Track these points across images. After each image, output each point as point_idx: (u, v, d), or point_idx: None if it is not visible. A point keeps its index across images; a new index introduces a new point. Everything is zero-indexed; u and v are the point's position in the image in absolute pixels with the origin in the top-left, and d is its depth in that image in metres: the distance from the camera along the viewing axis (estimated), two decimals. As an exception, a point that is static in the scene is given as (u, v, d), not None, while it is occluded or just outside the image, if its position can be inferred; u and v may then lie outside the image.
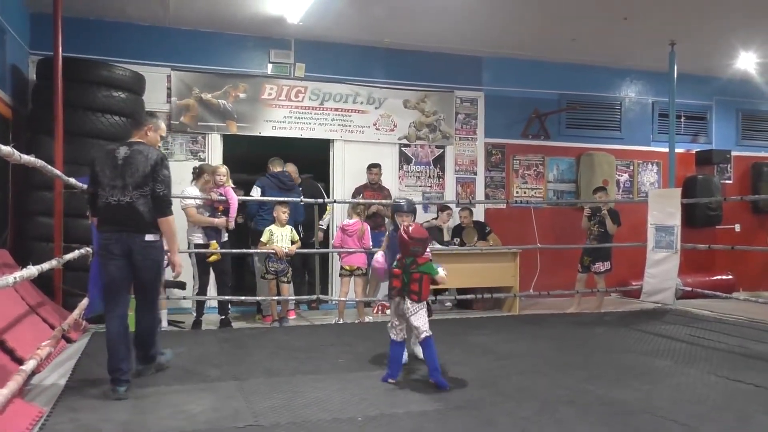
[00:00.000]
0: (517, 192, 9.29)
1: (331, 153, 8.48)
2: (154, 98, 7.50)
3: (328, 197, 8.12)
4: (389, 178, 8.41)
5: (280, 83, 8.17)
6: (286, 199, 6.95)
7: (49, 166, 4.49)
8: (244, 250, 7.16)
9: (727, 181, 10.26)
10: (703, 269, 9.42)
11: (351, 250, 7.03)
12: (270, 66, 8.19)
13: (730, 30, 7.71)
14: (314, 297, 7.20)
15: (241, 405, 3.71)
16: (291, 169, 7.59)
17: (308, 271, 8.01)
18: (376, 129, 8.59)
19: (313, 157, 8.56)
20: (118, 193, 4.04)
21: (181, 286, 6.59)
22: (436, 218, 8.28)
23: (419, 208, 8.29)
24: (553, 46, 8.58)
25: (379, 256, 4.85)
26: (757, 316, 6.91)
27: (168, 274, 4.67)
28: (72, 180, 5.36)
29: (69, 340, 5.26)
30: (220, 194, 6.50)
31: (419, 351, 4.57)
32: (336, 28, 7.81)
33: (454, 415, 3.56)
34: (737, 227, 10.17)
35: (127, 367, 3.97)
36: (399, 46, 8.48)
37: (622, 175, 9.79)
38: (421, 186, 8.82)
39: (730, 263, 9.72)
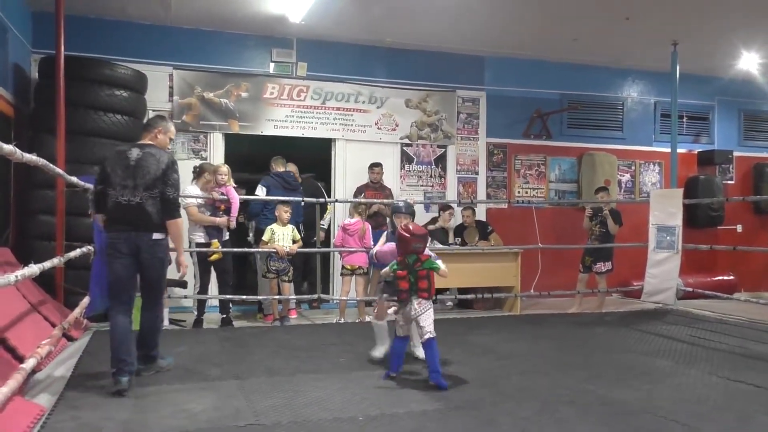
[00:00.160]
0: (519, 192, 9.29)
1: (332, 152, 8.49)
2: (156, 97, 7.51)
3: (329, 197, 8.12)
4: (391, 178, 8.40)
5: (282, 82, 8.17)
6: (287, 198, 6.95)
7: (51, 165, 4.50)
8: (246, 249, 7.17)
9: (729, 182, 10.24)
10: (704, 270, 9.41)
11: (352, 249, 7.03)
12: (272, 65, 8.19)
13: (732, 30, 7.69)
14: (315, 296, 7.21)
15: (242, 404, 3.71)
16: (292, 168, 7.59)
17: (309, 270, 8.01)
18: (378, 128, 8.59)
19: (315, 157, 8.56)
20: (129, 193, 4.14)
21: (183, 285, 6.59)
22: (438, 217, 8.27)
23: (420, 207, 8.33)
24: (555, 45, 8.58)
25: (380, 246, 4.91)
26: (758, 317, 6.91)
27: (171, 274, 4.70)
28: (74, 179, 5.36)
29: (70, 339, 5.27)
30: (222, 193, 6.51)
31: (420, 352, 4.58)
32: (338, 28, 7.81)
33: (455, 414, 3.56)
34: (739, 228, 10.16)
35: (130, 359, 4.02)
36: (401, 45, 8.48)
37: (623, 175, 9.78)
38: (422, 186, 8.82)
39: (732, 264, 9.71)
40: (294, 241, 6.84)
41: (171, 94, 7.74)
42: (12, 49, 6.45)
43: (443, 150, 8.93)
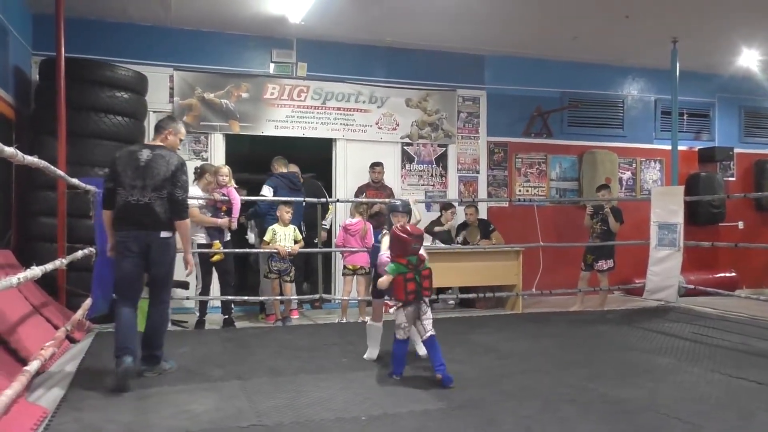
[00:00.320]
0: (520, 190, 9.29)
1: (333, 152, 8.49)
2: (157, 98, 7.51)
3: (330, 197, 8.13)
4: (392, 177, 8.41)
5: (282, 83, 8.18)
6: (289, 198, 6.96)
7: (52, 167, 4.51)
8: (248, 250, 7.18)
9: (730, 179, 10.24)
10: (706, 267, 9.41)
11: (354, 249, 7.03)
12: (272, 65, 8.19)
13: (732, 27, 7.68)
14: (317, 296, 7.21)
15: (245, 405, 3.72)
16: (294, 169, 7.60)
17: (311, 270, 8.02)
18: (379, 128, 8.59)
19: (315, 157, 8.57)
20: (138, 193, 4.25)
21: (185, 286, 6.60)
22: (440, 217, 8.27)
23: (422, 207, 8.33)
24: (555, 44, 8.57)
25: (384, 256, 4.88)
26: (760, 314, 6.91)
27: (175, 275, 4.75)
28: (75, 180, 5.37)
29: (73, 341, 5.28)
30: (223, 194, 6.51)
31: (422, 349, 4.59)
32: (338, 28, 7.81)
33: (457, 414, 3.57)
34: (740, 224, 10.15)
35: (134, 346, 4.14)
36: (401, 45, 8.48)
37: (624, 173, 9.78)
38: (423, 185, 8.82)
39: (733, 261, 9.71)
40: (295, 242, 6.85)
41: (171, 95, 7.75)
42: (12, 52, 6.46)
43: (444, 149, 8.93)
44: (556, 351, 5.34)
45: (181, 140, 4.67)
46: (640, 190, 9.79)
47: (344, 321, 6.91)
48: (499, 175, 9.20)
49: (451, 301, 8.01)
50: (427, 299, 4.31)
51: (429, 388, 4.06)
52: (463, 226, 8.27)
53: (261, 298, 7.08)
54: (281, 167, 7.48)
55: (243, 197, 6.88)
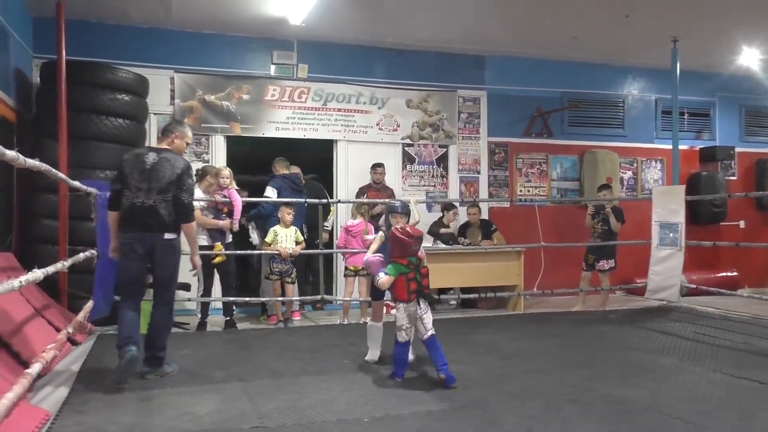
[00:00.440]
0: (521, 190, 9.29)
1: (334, 153, 8.49)
2: (158, 100, 7.52)
3: (331, 198, 8.13)
4: (393, 178, 8.41)
5: (283, 84, 8.19)
6: (290, 200, 6.96)
7: (54, 170, 4.51)
8: (249, 252, 7.18)
9: (732, 178, 10.23)
10: (707, 266, 9.40)
11: (355, 250, 7.03)
12: (273, 67, 8.20)
13: (733, 26, 7.68)
14: (319, 297, 7.21)
15: (247, 406, 3.72)
16: (296, 171, 7.61)
17: (312, 271, 8.02)
18: (379, 129, 8.59)
19: (316, 158, 8.57)
20: (143, 195, 4.32)
21: (186, 287, 6.61)
22: (442, 217, 8.26)
23: (423, 207, 8.34)
24: (555, 44, 8.57)
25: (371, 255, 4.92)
26: (762, 313, 6.90)
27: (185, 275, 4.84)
28: (77, 183, 5.37)
29: (74, 343, 5.28)
30: (224, 196, 6.52)
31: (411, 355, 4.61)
32: (338, 29, 7.82)
33: (460, 414, 3.57)
34: (742, 224, 10.15)
35: (137, 337, 4.23)
36: (401, 46, 8.48)
37: (625, 173, 9.77)
38: (424, 185, 8.83)
39: (735, 260, 9.71)
40: (297, 243, 6.85)
41: (172, 98, 7.76)
42: (13, 55, 6.46)
43: (445, 150, 8.94)
44: (558, 351, 5.33)
45: (188, 144, 4.74)
46: (641, 189, 9.79)
47: (346, 322, 6.91)
48: (500, 176, 9.20)
49: (453, 302, 8.00)
50: (428, 298, 4.34)
51: (431, 389, 4.06)
52: (465, 226, 8.27)
53: (262, 299, 7.09)
54: (283, 169, 7.49)
55: (244, 199, 6.89)
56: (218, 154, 7.94)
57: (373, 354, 4.87)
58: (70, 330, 5.04)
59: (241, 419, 3.48)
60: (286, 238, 6.78)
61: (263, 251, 6.89)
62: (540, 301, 8.34)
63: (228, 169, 6.76)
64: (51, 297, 5.68)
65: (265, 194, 7.19)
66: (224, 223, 6.51)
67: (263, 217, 7.23)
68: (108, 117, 6.51)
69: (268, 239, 6.77)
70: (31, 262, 4.58)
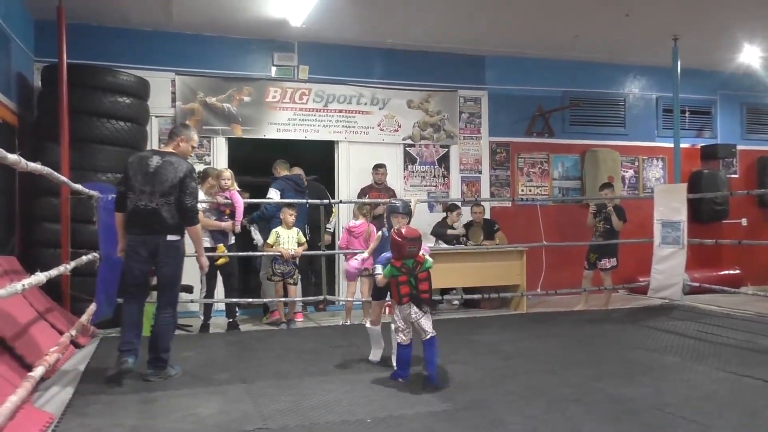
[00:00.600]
0: (523, 190, 9.29)
1: (335, 154, 8.50)
2: (159, 103, 7.53)
3: (333, 199, 8.12)
4: (394, 179, 8.41)
5: (284, 86, 8.19)
6: (292, 201, 6.97)
7: (56, 173, 4.52)
8: (252, 253, 7.18)
9: (733, 176, 10.22)
10: (710, 264, 9.38)
11: (357, 251, 7.02)
12: (274, 69, 8.21)
13: (734, 23, 7.67)
14: (321, 298, 7.22)
15: (250, 408, 3.72)
16: (298, 172, 7.61)
17: (314, 272, 8.02)
18: (381, 130, 8.59)
19: (318, 159, 8.57)
20: (146, 198, 4.37)
21: (189, 289, 6.62)
22: (446, 218, 8.25)
23: (424, 207, 8.34)
24: (556, 43, 8.57)
25: (355, 263, 5.06)
26: (765, 311, 6.88)
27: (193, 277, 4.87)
28: (78, 186, 5.38)
29: (77, 346, 5.29)
30: (226, 198, 6.53)
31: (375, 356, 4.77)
32: (339, 30, 7.82)
33: (463, 415, 3.56)
34: (744, 221, 10.14)
35: (137, 342, 4.34)
36: (401, 46, 8.49)
37: (627, 171, 9.77)
38: (426, 186, 8.83)
39: (737, 258, 9.69)
40: (299, 244, 6.86)
41: (173, 100, 7.77)
42: (15, 58, 6.48)
43: (446, 150, 8.93)
44: (561, 351, 5.33)
45: (193, 147, 4.79)
46: (643, 188, 9.78)
47: (348, 323, 6.91)
48: (501, 175, 9.20)
49: (456, 302, 8.00)
50: (425, 303, 4.22)
51: (434, 389, 4.05)
52: (468, 225, 8.26)
53: (265, 300, 7.09)
54: (284, 170, 7.51)
55: (246, 200, 6.89)
56: (219, 156, 7.94)
57: (375, 354, 4.87)
58: (73, 333, 5.05)
59: (244, 421, 3.48)
60: (288, 240, 6.78)
61: (265, 252, 6.89)
62: (542, 301, 8.34)
63: (229, 170, 6.77)
64: (54, 300, 5.69)
65: (267, 196, 7.19)
66: (226, 224, 6.51)
67: (266, 219, 7.23)
68: (109, 120, 6.53)
69: (270, 240, 6.78)
70: (34, 266, 4.59)
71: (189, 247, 4.67)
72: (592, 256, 7.83)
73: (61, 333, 4.92)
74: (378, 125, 8.58)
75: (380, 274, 4.36)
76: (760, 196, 9.99)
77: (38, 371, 3.76)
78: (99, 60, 7.04)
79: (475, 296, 7.67)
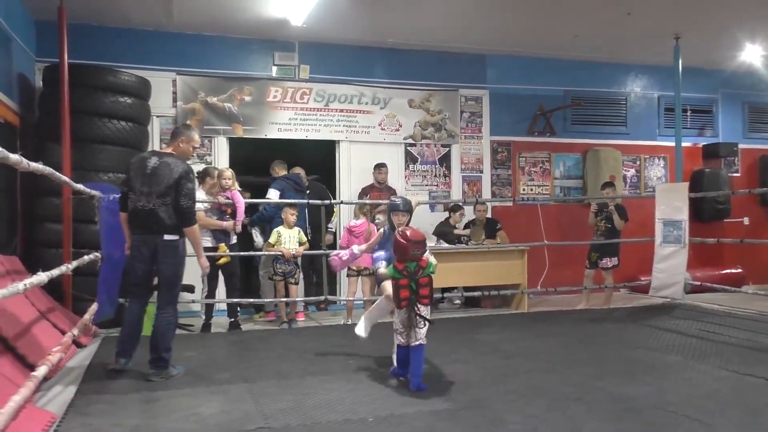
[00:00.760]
0: (524, 189, 9.28)
1: (336, 154, 8.50)
2: (160, 103, 7.54)
3: (335, 199, 8.12)
4: (395, 178, 8.42)
5: (284, 85, 8.19)
6: (293, 201, 6.97)
7: (57, 173, 4.52)
8: (254, 253, 7.19)
9: (735, 174, 10.21)
10: (711, 263, 9.37)
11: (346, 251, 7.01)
12: (274, 68, 8.21)
13: (735, 22, 7.66)
14: (322, 298, 7.22)
15: (252, 407, 3.72)
16: (299, 172, 7.63)
17: (314, 272, 8.03)
18: (382, 129, 8.59)
19: (319, 159, 8.58)
20: (144, 199, 4.43)
21: (190, 289, 6.62)
22: (448, 218, 8.24)
23: (426, 207, 8.33)
24: (557, 42, 8.56)
25: (341, 254, 5.03)
26: (767, 309, 6.87)
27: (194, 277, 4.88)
28: (80, 186, 5.38)
29: (79, 345, 5.29)
30: (227, 198, 6.53)
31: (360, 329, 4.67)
32: (339, 30, 7.82)
33: (464, 414, 3.57)
34: (746, 220, 10.13)
35: (134, 344, 4.55)
36: (402, 45, 8.49)
37: (628, 171, 9.76)
38: (427, 185, 8.83)
39: (739, 257, 9.67)
40: (300, 244, 6.86)
41: (175, 100, 7.77)
42: (16, 59, 6.48)
43: (447, 149, 8.93)
44: (562, 349, 5.33)
45: (194, 148, 4.80)
46: (645, 187, 9.77)
47: (350, 322, 6.90)
48: (503, 174, 9.19)
49: (457, 301, 8.01)
50: (424, 308, 4.09)
51: (436, 388, 4.06)
52: (470, 223, 8.25)
53: (267, 300, 7.09)
54: (282, 170, 7.54)
55: (247, 200, 6.90)
56: (221, 155, 7.95)
57: (361, 328, 4.76)
58: (75, 332, 5.05)
59: (246, 420, 3.48)
60: (289, 239, 6.79)
61: (267, 252, 6.89)
62: (543, 300, 8.34)
63: (230, 170, 6.77)
64: (56, 300, 5.70)
65: (266, 197, 7.19)
66: (228, 224, 6.52)
67: (266, 221, 7.25)
68: (110, 120, 6.53)
69: (271, 240, 6.79)
70: (36, 266, 4.61)
71: (191, 247, 4.67)
72: (593, 255, 7.83)
73: (63, 333, 4.93)
74: (379, 125, 8.58)
75: (381, 268, 4.35)
76: (761, 194, 9.98)
77: (40, 371, 3.77)
78: (100, 60, 7.05)
79: (476, 294, 7.68)
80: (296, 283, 6.93)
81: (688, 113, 9.90)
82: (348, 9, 7.14)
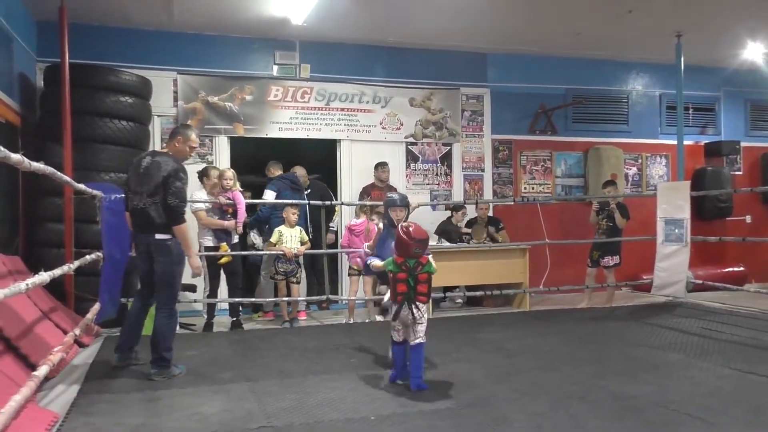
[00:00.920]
0: (525, 188, 9.27)
1: (337, 153, 8.49)
2: (161, 102, 7.54)
3: (336, 198, 8.13)
4: (396, 177, 8.41)
5: (285, 84, 8.19)
6: (295, 201, 6.98)
7: (59, 173, 4.52)
8: (255, 252, 7.19)
9: (737, 173, 10.19)
10: (713, 261, 9.36)
11: (358, 250, 7.03)
12: (275, 68, 8.21)
13: (737, 20, 7.64)
14: (324, 297, 7.22)
15: (254, 406, 3.72)
16: (300, 171, 7.63)
17: (316, 271, 8.02)
18: (383, 128, 8.59)
19: (320, 158, 8.57)
20: (137, 198, 4.50)
21: (192, 289, 6.63)
22: (450, 217, 8.22)
23: (427, 207, 8.31)
24: (558, 40, 8.55)
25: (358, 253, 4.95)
26: (770, 308, 6.88)
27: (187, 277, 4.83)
28: (81, 186, 5.38)
29: (81, 345, 5.30)
30: (228, 198, 6.53)
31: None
32: (340, 28, 7.82)
33: (467, 412, 3.56)
34: (748, 218, 10.11)
35: (132, 342, 4.71)
36: (403, 44, 8.48)
37: (630, 169, 9.75)
38: (428, 184, 8.82)
39: (741, 255, 9.65)
40: (302, 243, 6.86)
41: (175, 99, 7.77)
42: (17, 59, 6.48)
43: (448, 148, 8.92)
44: (565, 348, 5.32)
45: (192, 147, 4.76)
46: (646, 185, 9.75)
47: (351, 321, 6.91)
48: (504, 173, 9.18)
49: (459, 300, 8.01)
50: (421, 305, 4.07)
51: (438, 387, 4.05)
52: (472, 222, 8.23)
53: (269, 299, 7.09)
54: (277, 170, 7.56)
55: (248, 200, 6.90)
56: (222, 155, 7.95)
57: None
58: (77, 332, 5.06)
59: (249, 419, 3.48)
60: (291, 238, 6.79)
61: (268, 251, 6.89)
62: (545, 299, 8.33)
63: (231, 170, 6.77)
64: (58, 299, 5.70)
65: (263, 197, 7.20)
66: (229, 223, 6.52)
67: (262, 222, 7.27)
68: (112, 119, 6.52)
69: (273, 239, 6.78)
70: (38, 265, 4.62)
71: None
72: (595, 253, 7.82)
73: (65, 332, 4.93)
74: (380, 123, 8.57)
75: (375, 261, 4.34)
76: (764, 193, 9.96)
77: (43, 370, 3.77)
78: (101, 60, 7.04)
79: (478, 293, 7.67)
80: (298, 282, 6.93)
81: (690, 111, 9.88)
82: (349, 8, 7.14)
